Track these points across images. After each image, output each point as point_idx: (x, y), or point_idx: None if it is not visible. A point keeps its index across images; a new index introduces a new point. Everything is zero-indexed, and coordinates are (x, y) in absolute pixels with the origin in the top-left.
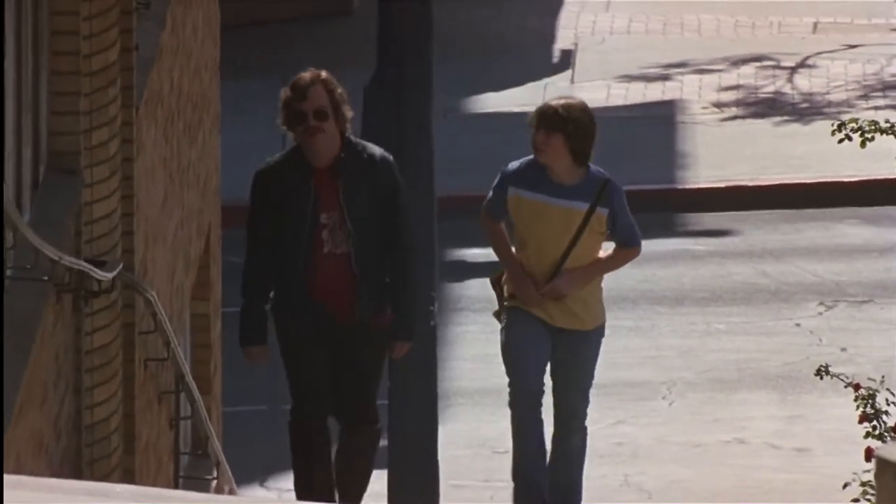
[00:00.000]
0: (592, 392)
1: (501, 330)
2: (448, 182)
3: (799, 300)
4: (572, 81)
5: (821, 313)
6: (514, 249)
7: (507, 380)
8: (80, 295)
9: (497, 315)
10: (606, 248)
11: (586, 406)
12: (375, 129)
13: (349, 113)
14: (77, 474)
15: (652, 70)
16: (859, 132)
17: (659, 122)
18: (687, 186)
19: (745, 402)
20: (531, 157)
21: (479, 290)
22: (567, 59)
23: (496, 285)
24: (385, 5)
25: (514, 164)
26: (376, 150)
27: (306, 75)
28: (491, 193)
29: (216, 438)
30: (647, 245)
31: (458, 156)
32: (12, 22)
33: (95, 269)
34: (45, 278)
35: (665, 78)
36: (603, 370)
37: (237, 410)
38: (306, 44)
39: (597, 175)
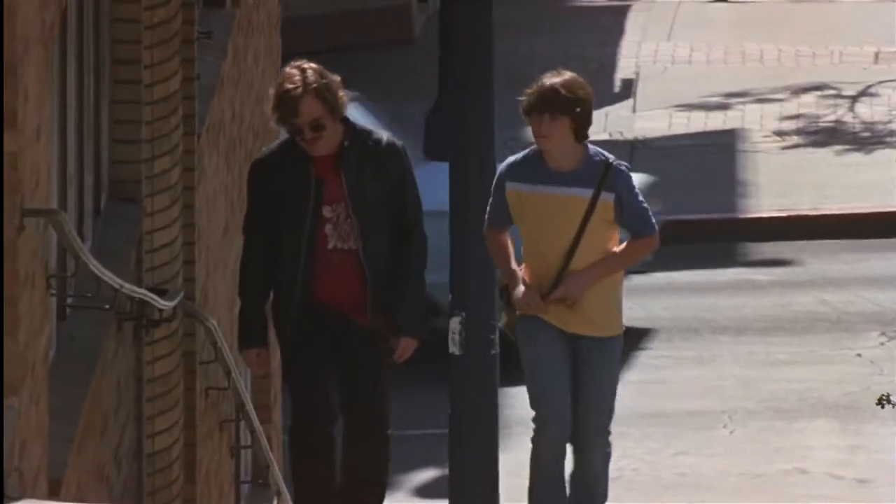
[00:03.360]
0: (655, 422)
1: (519, 345)
2: None
3: (860, 330)
4: (634, 110)
5: (882, 343)
6: (514, 261)
7: None
8: (142, 324)
9: (508, 326)
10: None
11: (609, 421)
12: (436, 157)
13: (345, 98)
14: None
15: (713, 99)
16: None
17: (720, 150)
18: (748, 216)
19: (806, 431)
20: (525, 150)
21: None
22: (628, 88)
23: (502, 294)
24: (446, 34)
25: (509, 160)
26: (383, 134)
27: (293, 86)
28: (490, 200)
29: (276, 467)
30: (709, 275)
31: None
32: (74, 51)
33: (156, 298)
34: (107, 307)
35: (726, 107)
36: (665, 400)
37: None
38: (367, 73)
39: (598, 157)
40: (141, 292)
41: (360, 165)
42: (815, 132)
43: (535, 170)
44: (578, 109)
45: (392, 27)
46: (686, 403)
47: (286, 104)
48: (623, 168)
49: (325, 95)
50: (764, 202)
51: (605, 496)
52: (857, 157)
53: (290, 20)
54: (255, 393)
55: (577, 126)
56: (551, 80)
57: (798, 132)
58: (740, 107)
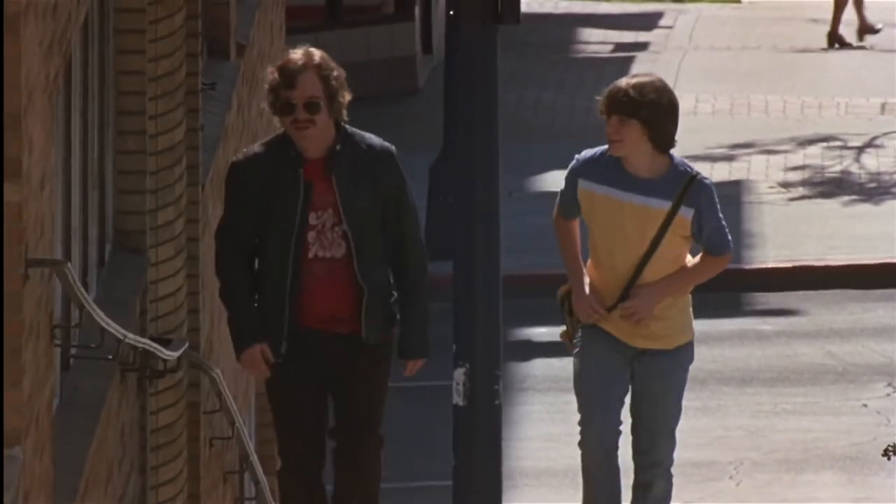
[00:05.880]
0: None
1: (574, 354)
2: (513, 261)
3: (866, 381)
4: None
5: (888, 394)
6: (582, 260)
7: (574, 461)
8: (145, 374)
9: (566, 336)
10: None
11: (672, 448)
12: (441, 207)
13: (346, 97)
14: None
15: (718, 150)
16: None
17: (726, 201)
18: (754, 266)
19: (813, 483)
20: (606, 146)
21: (545, 369)
22: None
23: (563, 301)
24: (451, 85)
25: (587, 153)
26: (376, 140)
27: (297, 57)
28: (563, 185)
29: None
30: (715, 325)
31: (524, 235)
32: (79, 102)
33: (161, 349)
34: (110, 357)
35: (731, 158)
36: None
37: None
38: (372, 123)
39: (682, 168)
40: (145, 342)
41: (352, 171)
42: (821, 183)
43: (612, 171)
44: (646, 113)
45: (397, 78)
46: (691, 454)
47: (285, 75)
48: (707, 182)
49: (326, 76)
50: (769, 253)
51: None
52: (862, 208)
53: None
54: (260, 444)
55: (651, 132)
56: (626, 80)
57: (804, 183)
58: (746, 158)
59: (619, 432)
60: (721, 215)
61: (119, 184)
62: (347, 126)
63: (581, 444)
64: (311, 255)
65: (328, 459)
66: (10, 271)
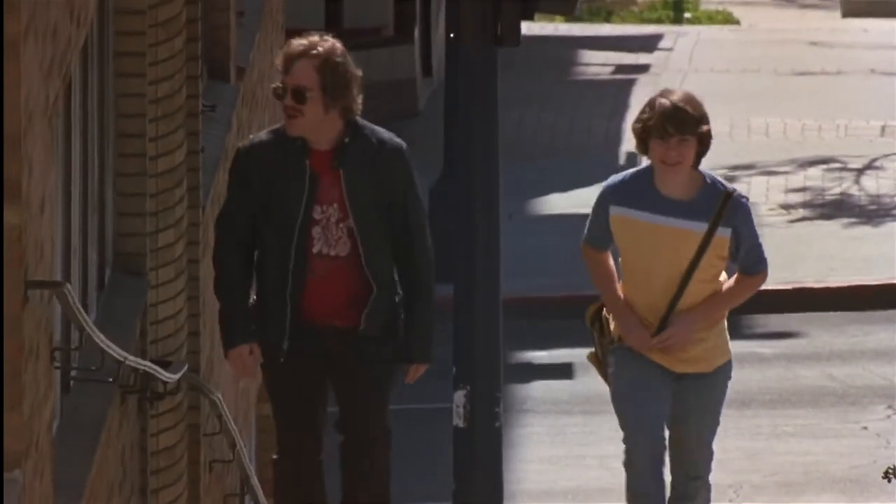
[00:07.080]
0: None
1: (610, 375)
2: (513, 283)
3: (866, 403)
4: None
5: (889, 416)
6: (619, 289)
7: (574, 482)
8: (146, 396)
9: (594, 359)
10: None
11: (711, 459)
12: (442, 229)
13: (354, 92)
14: None
15: (718, 172)
16: None
17: None
18: None
19: None
20: (634, 169)
21: (545, 391)
22: (633, 161)
23: (594, 321)
24: (452, 107)
25: (615, 178)
26: (386, 135)
27: (300, 42)
28: (590, 216)
29: None
30: None
31: (523, 257)
32: (79, 124)
33: (161, 371)
34: (111, 380)
35: (732, 179)
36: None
37: None
38: None
39: (715, 185)
40: (145, 364)
41: (360, 165)
42: (821, 205)
43: (644, 194)
44: (706, 128)
45: (397, 100)
46: None
47: (284, 59)
48: (744, 200)
49: (325, 70)
50: (770, 275)
51: None
52: (863, 230)
53: None
54: (260, 466)
55: (702, 148)
56: (670, 98)
57: (804, 205)
58: (746, 179)
59: (665, 448)
60: (757, 231)
61: (119, 206)
62: (359, 119)
63: (627, 465)
64: (315, 250)
65: (335, 455)
66: (9, 293)
